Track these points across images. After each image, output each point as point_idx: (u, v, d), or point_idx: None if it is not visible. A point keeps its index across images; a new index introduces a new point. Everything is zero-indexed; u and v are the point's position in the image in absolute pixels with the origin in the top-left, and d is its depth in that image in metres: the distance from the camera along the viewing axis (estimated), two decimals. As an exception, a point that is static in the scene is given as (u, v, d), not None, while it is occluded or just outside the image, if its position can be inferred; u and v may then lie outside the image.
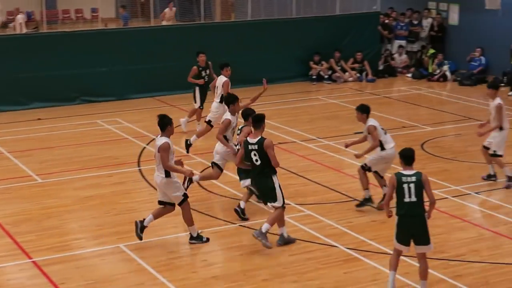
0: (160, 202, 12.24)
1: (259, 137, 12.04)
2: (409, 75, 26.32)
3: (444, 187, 14.75)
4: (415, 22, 27.46)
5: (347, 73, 25.78)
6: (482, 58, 25.11)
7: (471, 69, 25.16)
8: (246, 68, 24.49)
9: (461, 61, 25.71)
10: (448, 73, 25.49)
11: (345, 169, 16.28)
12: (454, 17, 26.90)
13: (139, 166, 16.53)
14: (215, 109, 17.70)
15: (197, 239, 12.37)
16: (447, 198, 14.21)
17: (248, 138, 12.19)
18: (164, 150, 11.74)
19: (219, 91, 17.78)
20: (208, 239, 12.43)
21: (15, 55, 22.28)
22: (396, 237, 10.40)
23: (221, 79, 17.78)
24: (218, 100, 17.68)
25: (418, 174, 10.30)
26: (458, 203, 14.00)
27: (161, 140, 11.88)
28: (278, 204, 12.02)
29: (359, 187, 14.61)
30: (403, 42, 27.38)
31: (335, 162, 16.75)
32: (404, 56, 27.05)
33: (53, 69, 22.53)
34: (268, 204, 12.18)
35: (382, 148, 13.54)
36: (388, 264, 10.54)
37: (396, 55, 27.02)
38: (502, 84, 23.69)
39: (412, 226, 10.26)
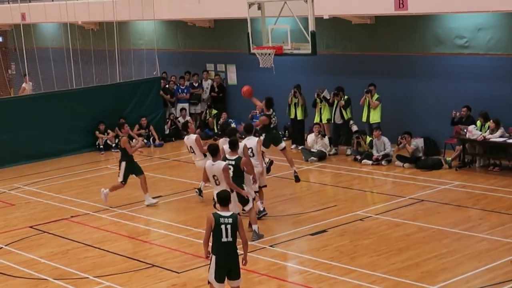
0: None
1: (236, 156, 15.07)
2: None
3: (240, 243, 14.98)
4: (196, 85, 28.04)
5: (134, 140, 25.78)
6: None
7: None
8: (31, 143, 24.09)
9: (244, 119, 26.45)
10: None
11: (140, 236, 16.24)
12: (232, 77, 27.75)
13: None
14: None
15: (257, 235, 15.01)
16: (242, 254, 14.45)
17: (227, 155, 15.15)
18: (226, 170, 14.36)
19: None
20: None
21: None
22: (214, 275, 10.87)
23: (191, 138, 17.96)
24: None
25: (234, 216, 10.91)
26: (254, 258, 14.27)
27: (221, 164, 14.40)
28: (250, 205, 15.02)
29: (156, 252, 14.70)
30: (185, 105, 27.85)
31: (130, 230, 16.68)
32: (188, 118, 27.48)
33: None
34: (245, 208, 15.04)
35: None
36: None
37: (180, 118, 27.40)
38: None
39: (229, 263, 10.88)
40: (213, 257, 10.83)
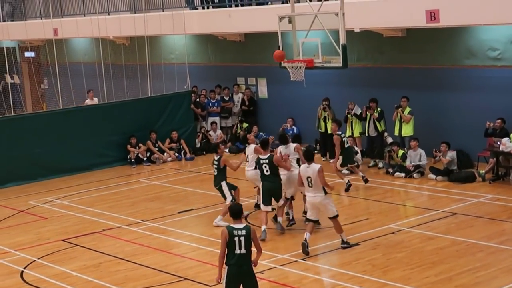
0: (308, 220, 15.41)
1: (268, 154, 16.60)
2: (226, 150, 26.77)
3: (271, 257, 14.98)
4: (226, 98, 28.09)
5: (165, 154, 25.90)
6: (294, 128, 25.95)
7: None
8: (63, 157, 24.26)
9: (274, 132, 26.41)
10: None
11: (172, 249, 16.25)
12: (263, 90, 27.76)
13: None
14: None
15: (347, 243, 15.26)
16: (275, 267, 14.44)
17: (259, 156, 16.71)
18: (321, 171, 14.83)
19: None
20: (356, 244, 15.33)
21: None
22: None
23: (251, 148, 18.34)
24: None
25: (247, 227, 11.11)
26: (286, 271, 14.24)
27: (316, 166, 14.96)
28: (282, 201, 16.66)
29: (187, 266, 14.71)
30: (216, 119, 27.90)
31: (161, 243, 16.70)
32: (219, 132, 27.54)
33: None
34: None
35: None
36: None
37: (211, 132, 27.46)
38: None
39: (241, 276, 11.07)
40: (226, 269, 11.09)
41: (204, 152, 26.69)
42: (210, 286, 13.67)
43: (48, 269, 15.30)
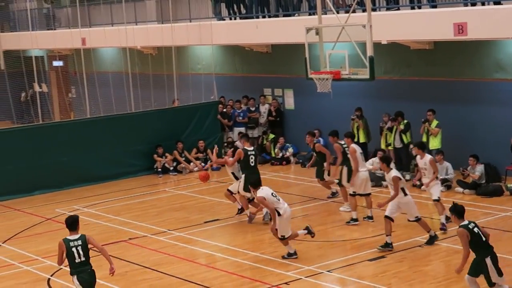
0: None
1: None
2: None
3: (297, 268, 14.99)
4: (253, 109, 28.14)
5: (192, 163, 25.98)
6: (321, 139, 25.92)
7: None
8: (90, 166, 24.40)
9: (301, 144, 26.46)
10: (291, 156, 26.18)
11: (198, 259, 16.29)
12: (289, 102, 27.78)
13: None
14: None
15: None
16: (300, 278, 14.44)
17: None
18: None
19: None
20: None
21: None
22: None
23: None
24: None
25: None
26: (312, 282, 14.24)
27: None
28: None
29: (213, 275, 14.75)
30: (243, 129, 27.95)
31: (187, 253, 16.74)
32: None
33: None
34: None
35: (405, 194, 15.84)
36: None
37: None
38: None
39: None
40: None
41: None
42: (235, 296, 13.68)
43: (75, 277, 15.36)
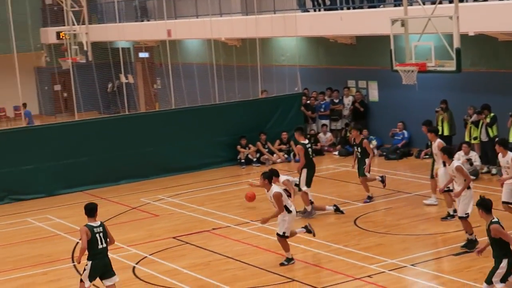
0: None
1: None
2: (336, 153, 26.74)
3: (380, 261, 14.90)
4: (336, 101, 28.04)
5: (275, 155, 26.05)
6: (405, 132, 25.70)
7: (395, 143, 25.70)
8: (175, 156, 24.68)
9: (385, 136, 26.30)
10: (375, 149, 25.97)
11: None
12: (374, 94, 27.57)
13: (73, 262, 16.30)
14: None
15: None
16: (384, 272, 14.35)
17: None
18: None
19: None
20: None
21: None
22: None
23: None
24: None
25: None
26: (395, 276, 14.14)
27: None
28: None
29: (295, 267, 14.79)
30: (326, 121, 27.89)
31: (270, 244, 16.79)
32: (328, 135, 27.51)
33: (-21, 170, 22.26)
34: None
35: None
36: None
37: (321, 134, 27.47)
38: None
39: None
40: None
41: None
42: (318, 288, 13.70)
43: (159, 266, 15.62)
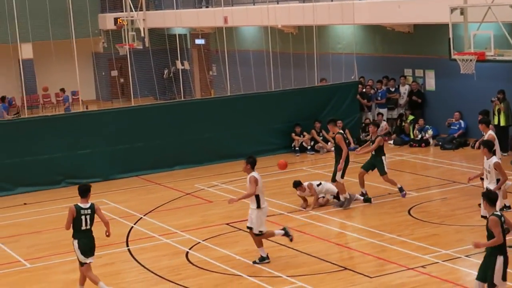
0: None
1: None
2: (391, 142, 26.54)
3: (434, 252, 14.77)
4: (392, 90, 27.81)
5: (329, 143, 25.95)
6: (461, 122, 25.40)
7: (451, 133, 25.42)
8: (229, 143, 24.75)
9: (441, 126, 26.02)
10: (430, 138, 25.73)
11: (333, 239, 16.30)
12: (430, 83, 27.29)
13: (127, 246, 16.47)
14: None
15: None
16: (437, 262, 14.22)
17: None
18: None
19: None
20: None
21: (-3, 141, 22.37)
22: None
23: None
24: None
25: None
26: (449, 267, 14.01)
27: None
28: None
29: (348, 255, 14.74)
30: (382, 110, 27.69)
31: (323, 232, 16.77)
32: (384, 123, 27.32)
33: (37, 153, 22.55)
34: None
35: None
36: None
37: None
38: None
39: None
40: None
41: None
42: (370, 277, 13.62)
43: (212, 251, 15.69)
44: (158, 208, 19.65)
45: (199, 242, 16.41)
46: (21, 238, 17.53)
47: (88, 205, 13.06)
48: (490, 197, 11.20)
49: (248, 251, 15.55)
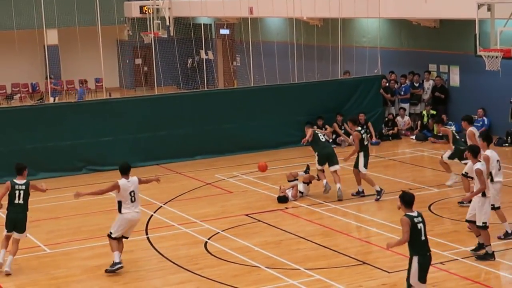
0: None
1: None
2: (413, 137, 26.42)
3: (454, 249, 14.70)
4: (416, 85, 27.67)
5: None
6: (485, 118, 25.23)
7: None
8: (251, 134, 24.74)
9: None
10: (451, 135, 25.51)
11: (352, 233, 16.27)
12: (455, 79, 27.12)
13: (146, 234, 16.52)
14: None
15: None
16: (457, 259, 14.15)
17: None
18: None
19: None
20: None
21: (21, 126, 22.43)
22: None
23: None
24: None
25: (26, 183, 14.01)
26: (468, 264, 13.94)
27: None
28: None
29: (367, 250, 14.71)
30: (405, 105, 27.56)
31: (342, 225, 16.74)
32: (406, 118, 27.20)
33: (59, 139, 22.65)
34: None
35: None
36: None
37: (398, 118, 27.17)
38: (506, 144, 23.82)
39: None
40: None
41: (391, 138, 26.45)
42: (389, 272, 13.58)
43: (231, 242, 15.70)
44: (178, 197, 19.69)
45: (218, 232, 16.43)
46: (41, 224, 17.62)
47: (23, 182, 14.28)
48: (405, 199, 11.29)
49: (267, 242, 15.56)
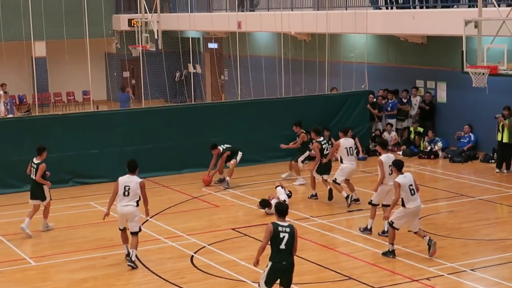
0: None
1: None
2: (400, 152, 26.47)
3: (439, 264, 14.73)
4: (404, 100, 27.76)
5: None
6: (471, 135, 25.33)
7: (461, 146, 25.35)
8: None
9: (451, 138, 25.97)
10: (439, 150, 25.64)
11: (339, 248, 16.27)
12: (442, 95, 27.23)
13: (132, 247, 16.45)
14: None
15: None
16: (442, 275, 14.18)
17: None
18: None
19: None
20: None
21: (7, 138, 22.38)
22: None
23: None
24: None
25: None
26: (454, 280, 13.97)
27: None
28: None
29: (353, 265, 14.72)
30: (392, 120, 27.64)
31: (329, 240, 16.75)
32: (393, 134, 27.28)
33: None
34: None
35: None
36: None
37: (385, 133, 27.23)
38: (492, 161, 23.90)
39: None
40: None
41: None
42: (374, 287, 13.59)
43: (217, 256, 15.69)
44: (164, 210, 19.65)
45: (205, 246, 16.41)
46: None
47: (38, 162, 17.75)
48: (278, 209, 12.01)
49: (253, 256, 15.47)
